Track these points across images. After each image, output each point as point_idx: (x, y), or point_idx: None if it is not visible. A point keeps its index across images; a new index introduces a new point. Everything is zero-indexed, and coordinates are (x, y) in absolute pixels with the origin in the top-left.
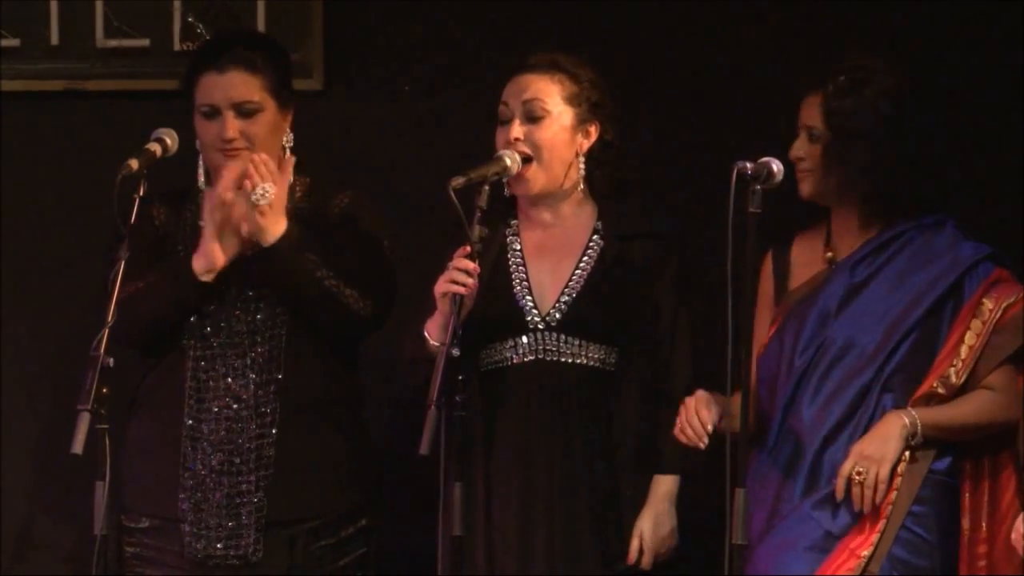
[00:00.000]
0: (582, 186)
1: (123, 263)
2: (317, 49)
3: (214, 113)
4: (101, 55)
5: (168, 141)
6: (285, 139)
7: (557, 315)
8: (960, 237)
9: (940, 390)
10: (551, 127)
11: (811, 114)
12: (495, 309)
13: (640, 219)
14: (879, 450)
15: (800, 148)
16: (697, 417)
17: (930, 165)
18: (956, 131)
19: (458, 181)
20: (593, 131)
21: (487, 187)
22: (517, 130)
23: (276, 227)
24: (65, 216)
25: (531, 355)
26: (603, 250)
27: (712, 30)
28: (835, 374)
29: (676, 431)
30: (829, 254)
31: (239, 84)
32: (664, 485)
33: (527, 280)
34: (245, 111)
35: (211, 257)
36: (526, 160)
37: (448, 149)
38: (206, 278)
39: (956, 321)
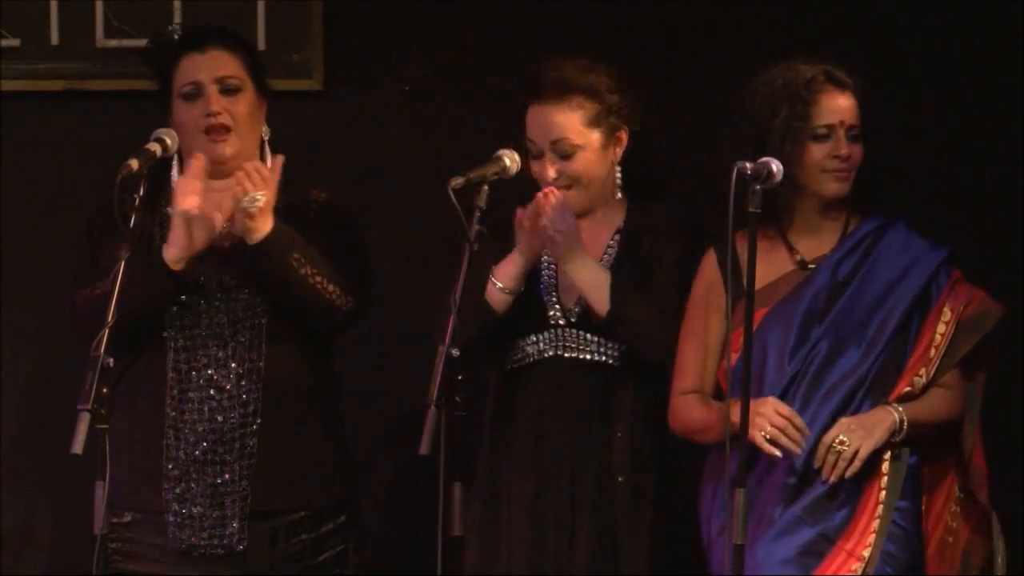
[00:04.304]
0: (619, 194)
1: (122, 264)
2: (317, 49)
3: (197, 92)
4: (101, 55)
5: (168, 141)
6: (263, 131)
7: (577, 310)
8: (917, 237)
9: (912, 391)
10: (584, 157)
11: (852, 113)
12: (518, 305)
13: (657, 213)
14: (866, 429)
15: (843, 147)
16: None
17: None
18: (956, 131)
19: (457, 181)
20: (624, 136)
21: (486, 187)
22: (552, 171)
23: (264, 226)
24: (65, 216)
25: (551, 350)
26: (621, 247)
27: (707, 29)
28: (826, 380)
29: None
30: (798, 256)
31: (223, 61)
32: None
33: (553, 278)
34: (228, 88)
35: (180, 244)
36: (567, 187)
37: (448, 149)
38: (177, 267)
39: (925, 325)
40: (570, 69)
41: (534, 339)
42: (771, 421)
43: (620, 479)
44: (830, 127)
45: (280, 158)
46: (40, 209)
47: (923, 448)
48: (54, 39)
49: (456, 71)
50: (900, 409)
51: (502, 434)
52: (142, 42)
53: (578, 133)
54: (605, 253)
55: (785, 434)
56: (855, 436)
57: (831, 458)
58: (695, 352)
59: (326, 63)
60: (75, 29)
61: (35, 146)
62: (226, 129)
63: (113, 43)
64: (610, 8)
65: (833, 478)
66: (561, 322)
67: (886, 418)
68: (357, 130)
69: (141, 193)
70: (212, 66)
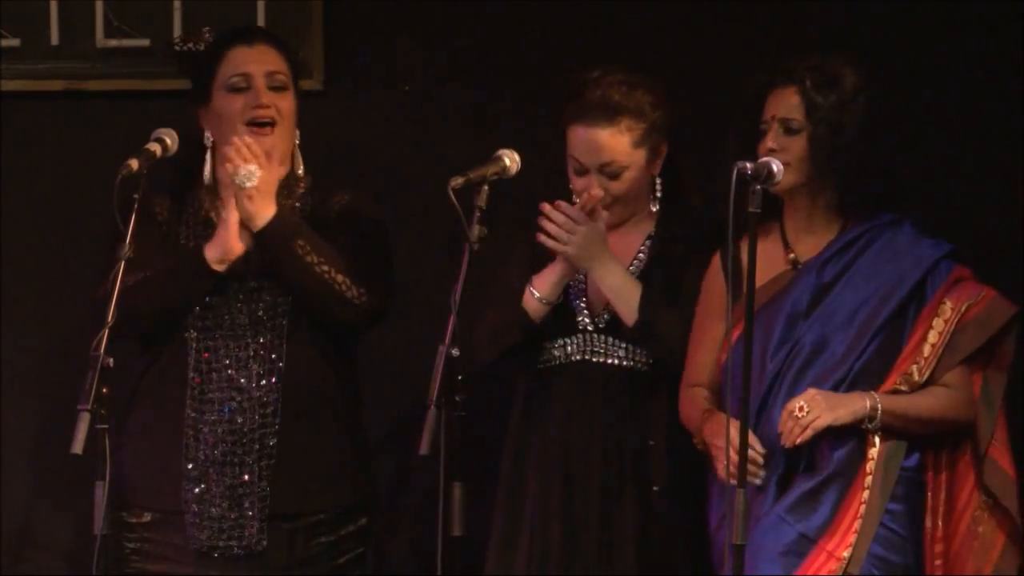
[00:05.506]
0: (655, 207)
1: (123, 263)
2: (317, 49)
3: (245, 85)
4: (101, 55)
5: (168, 141)
6: (296, 135)
7: (606, 316)
8: (919, 235)
9: (903, 387)
10: (630, 176)
11: (787, 107)
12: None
13: (688, 221)
14: (830, 403)
15: (775, 140)
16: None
17: (896, 161)
18: (955, 131)
19: (457, 181)
20: (664, 149)
21: (486, 187)
22: (599, 191)
23: (265, 211)
24: (65, 216)
25: (578, 355)
26: (651, 254)
27: (713, 30)
28: (808, 377)
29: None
30: (792, 256)
31: (272, 56)
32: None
33: (583, 283)
34: (276, 84)
35: (227, 246)
36: (611, 203)
37: (448, 149)
38: (219, 267)
39: (919, 320)
40: (615, 91)
41: (561, 342)
42: (720, 448)
43: (655, 488)
44: (766, 122)
45: (273, 145)
46: (40, 209)
47: (935, 447)
48: (54, 39)
49: (456, 71)
50: (876, 396)
51: (527, 436)
52: (143, 42)
53: (626, 155)
54: (635, 258)
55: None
56: (817, 407)
57: (790, 423)
58: (700, 348)
59: (326, 63)
60: (75, 29)
61: (35, 146)
62: (272, 123)
63: (113, 43)
64: (611, 8)
65: (786, 443)
66: (589, 328)
67: (856, 400)
68: (357, 130)
69: (141, 193)
70: (262, 60)
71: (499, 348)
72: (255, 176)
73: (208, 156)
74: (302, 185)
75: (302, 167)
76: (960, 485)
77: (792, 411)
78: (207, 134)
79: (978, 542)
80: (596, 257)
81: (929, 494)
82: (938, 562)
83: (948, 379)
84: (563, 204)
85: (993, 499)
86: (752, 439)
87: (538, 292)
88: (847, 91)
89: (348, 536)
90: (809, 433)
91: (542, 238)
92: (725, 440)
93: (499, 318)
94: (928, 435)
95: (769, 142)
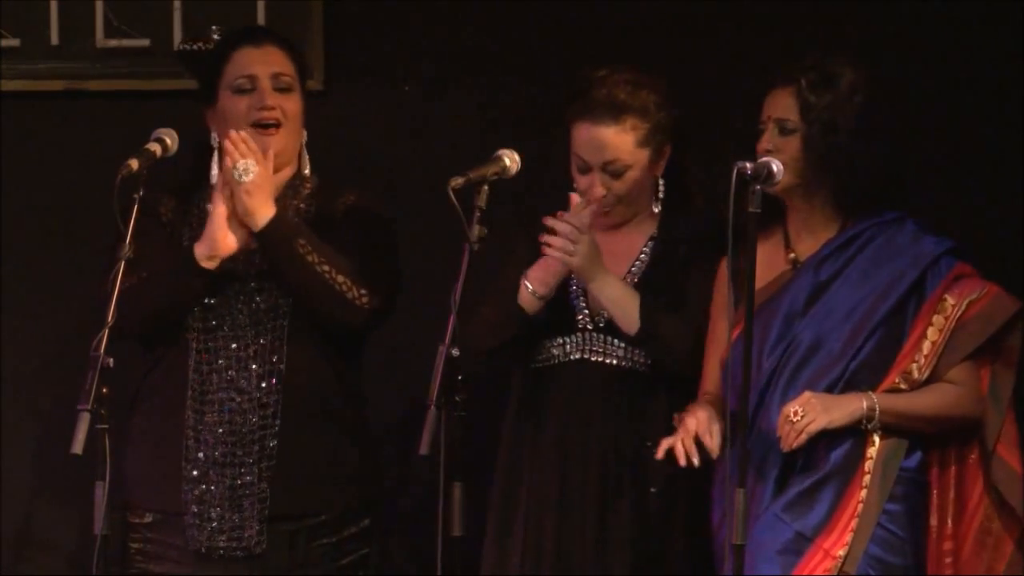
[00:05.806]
0: (657, 208)
1: (123, 263)
2: (317, 49)
3: (251, 86)
4: (101, 55)
5: (168, 141)
6: (303, 135)
7: (606, 315)
8: (921, 232)
9: (902, 385)
10: (633, 176)
11: (783, 107)
12: (547, 307)
13: (691, 224)
14: (825, 407)
15: (770, 141)
16: (694, 439)
17: (896, 161)
18: (955, 131)
19: (457, 181)
20: (668, 150)
21: (486, 187)
22: (599, 188)
23: (264, 210)
24: (65, 216)
25: (577, 354)
26: (653, 255)
27: (707, 29)
28: (804, 374)
29: (665, 446)
30: (792, 255)
31: (278, 57)
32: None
33: (583, 283)
34: (281, 85)
35: (215, 243)
36: (613, 203)
37: (448, 149)
38: (208, 265)
39: (918, 317)
40: (621, 90)
41: (560, 341)
42: (686, 426)
43: (652, 490)
44: (763, 122)
45: (270, 148)
46: (40, 209)
47: (940, 445)
48: (54, 39)
49: (456, 71)
50: (873, 397)
51: (524, 434)
52: (143, 42)
53: (630, 154)
54: (637, 259)
55: (686, 443)
56: (812, 410)
57: (786, 428)
58: (711, 355)
59: (326, 63)
60: (75, 29)
61: (35, 146)
62: (277, 124)
63: (113, 43)
64: (612, 7)
65: (784, 448)
66: (589, 327)
67: (852, 402)
68: (357, 130)
69: (141, 193)
70: (268, 61)
71: (494, 342)
72: (252, 171)
73: (215, 156)
74: (308, 186)
75: (308, 168)
76: (971, 483)
77: (788, 415)
78: (213, 135)
79: (991, 539)
80: (590, 269)
81: (935, 492)
82: (948, 560)
83: (954, 375)
84: (565, 215)
85: (999, 496)
86: (712, 440)
87: (531, 285)
88: (843, 91)
89: (351, 537)
90: (804, 438)
91: (548, 251)
92: (693, 424)
93: (495, 312)
94: (933, 433)
95: (765, 142)
